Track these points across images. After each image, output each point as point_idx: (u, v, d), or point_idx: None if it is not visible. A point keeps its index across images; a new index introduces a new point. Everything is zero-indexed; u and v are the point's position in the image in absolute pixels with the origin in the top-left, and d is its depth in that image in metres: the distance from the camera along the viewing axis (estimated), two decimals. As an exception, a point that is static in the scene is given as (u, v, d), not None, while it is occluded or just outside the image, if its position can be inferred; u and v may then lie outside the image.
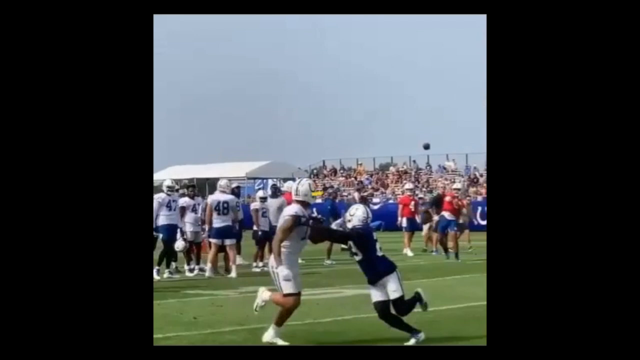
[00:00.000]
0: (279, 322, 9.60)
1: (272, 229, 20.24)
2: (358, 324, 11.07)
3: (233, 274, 17.80)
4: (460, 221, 26.27)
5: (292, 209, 9.58)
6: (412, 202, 25.20)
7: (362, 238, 9.58)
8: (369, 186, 50.36)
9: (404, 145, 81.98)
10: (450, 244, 23.50)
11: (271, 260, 9.63)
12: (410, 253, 24.23)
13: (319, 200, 52.13)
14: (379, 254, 9.65)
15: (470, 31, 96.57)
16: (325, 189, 55.84)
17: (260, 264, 19.87)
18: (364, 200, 26.99)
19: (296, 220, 9.39)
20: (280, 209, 20.71)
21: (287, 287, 9.44)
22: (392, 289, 9.47)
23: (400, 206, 25.08)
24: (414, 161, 56.53)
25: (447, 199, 23.79)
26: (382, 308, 9.57)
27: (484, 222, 34.75)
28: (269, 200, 20.73)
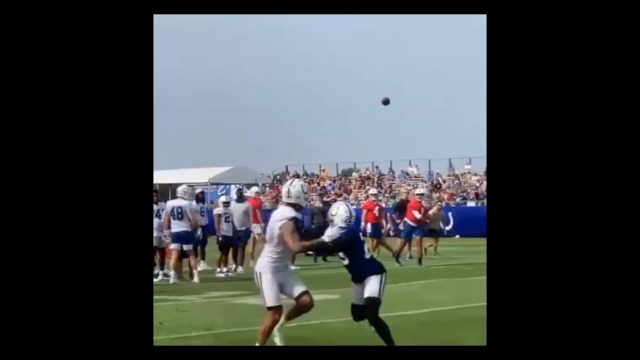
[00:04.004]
0: (263, 340, 8.91)
1: (237, 233, 20.26)
2: (325, 329, 11.06)
3: (195, 279, 17.72)
4: (432, 227, 26.47)
5: (287, 212, 8.77)
6: (377, 208, 25.25)
7: (348, 244, 9.02)
8: (332, 192, 50.40)
9: (367, 151, 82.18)
10: (414, 249, 23.59)
11: (257, 264, 8.97)
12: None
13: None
14: (367, 256, 9.16)
15: (439, 38, 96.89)
16: (288, 194, 55.81)
17: (225, 269, 19.82)
18: (327, 205, 26.99)
19: (296, 223, 8.71)
20: (246, 213, 20.80)
21: (269, 299, 8.80)
22: (370, 288, 8.89)
23: (364, 211, 25.10)
24: (377, 167, 56.76)
25: (412, 204, 23.88)
26: (356, 313, 9.15)
27: (448, 228, 34.91)
28: (234, 204, 20.71)
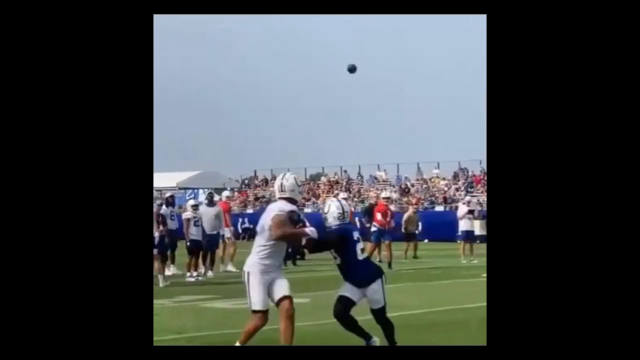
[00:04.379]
0: (244, 340, 8.47)
1: (206, 237, 20.28)
2: (296, 333, 11.13)
3: (160, 284, 17.64)
4: (408, 231, 26.62)
5: (283, 205, 8.35)
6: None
7: (341, 241, 8.66)
8: (300, 196, 50.48)
9: (335, 155, 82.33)
10: (384, 253, 23.73)
11: (247, 263, 8.40)
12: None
13: (250, 210, 52.19)
14: (360, 257, 8.73)
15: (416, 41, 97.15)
16: (257, 199, 55.87)
17: (195, 273, 19.83)
18: (293, 212, 27.02)
19: (292, 216, 8.25)
20: (217, 217, 20.83)
21: (255, 303, 8.31)
22: (374, 299, 8.64)
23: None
24: (345, 171, 56.91)
25: (378, 208, 24.05)
26: (343, 305, 8.72)
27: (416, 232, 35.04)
28: (205, 208, 20.72)
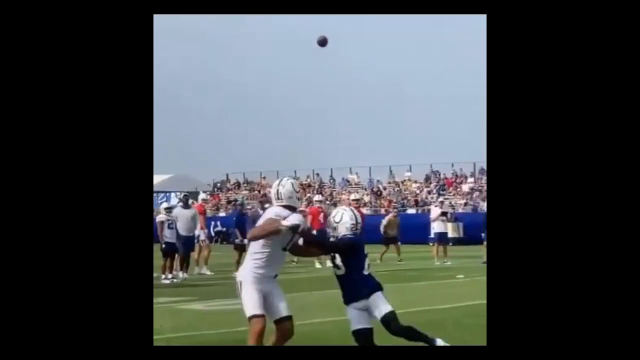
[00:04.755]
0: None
1: (182, 239, 20.25)
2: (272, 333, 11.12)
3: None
4: (389, 234, 26.67)
5: (279, 210, 7.71)
6: (322, 214, 25.34)
7: (350, 250, 8.05)
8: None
9: (307, 158, 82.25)
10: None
11: (239, 272, 7.85)
12: (318, 265, 24.41)
13: (222, 214, 52.16)
14: (366, 272, 8.05)
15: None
16: (229, 202, 55.82)
17: (170, 275, 19.77)
18: (265, 209, 27.04)
19: (294, 227, 7.63)
20: (192, 219, 20.82)
21: (250, 307, 7.61)
22: (379, 308, 7.93)
23: (310, 217, 25.19)
24: (318, 174, 57.01)
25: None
26: (364, 337, 8.05)
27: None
28: (180, 211, 20.67)
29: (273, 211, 7.75)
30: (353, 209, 8.41)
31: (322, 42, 10.00)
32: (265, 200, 35.97)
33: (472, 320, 12.21)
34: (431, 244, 28.12)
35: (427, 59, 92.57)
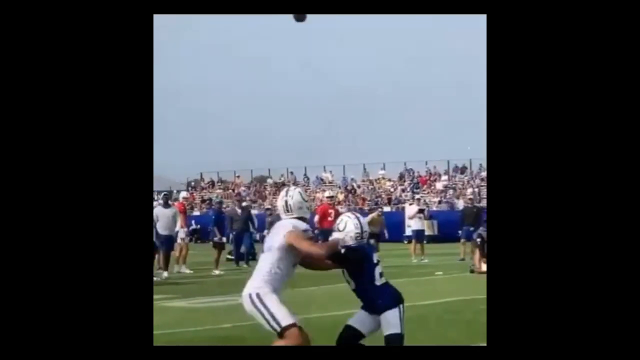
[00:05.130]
0: None
1: (161, 238, 20.29)
2: (258, 328, 11.21)
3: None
4: (373, 232, 26.74)
5: (294, 222, 7.26)
6: (332, 211, 25.33)
7: (355, 264, 7.54)
8: (247, 198, 50.47)
9: (281, 156, 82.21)
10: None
11: (248, 286, 7.10)
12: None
13: (196, 213, 52.04)
14: (378, 282, 7.53)
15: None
16: (203, 201, 55.74)
17: (150, 274, 19.80)
18: (245, 211, 27.12)
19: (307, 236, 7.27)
20: (173, 218, 20.88)
21: (284, 318, 6.93)
22: (389, 323, 7.43)
23: (318, 216, 25.14)
24: (292, 173, 57.07)
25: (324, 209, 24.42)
26: (348, 335, 7.63)
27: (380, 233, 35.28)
28: (161, 209, 20.69)
29: (289, 222, 7.23)
30: (359, 215, 7.90)
31: (300, 18, 9.89)
32: (240, 199, 36.03)
33: (452, 316, 12.38)
34: (406, 242, 28.25)
35: (402, 57, 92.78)
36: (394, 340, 7.42)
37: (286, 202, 7.31)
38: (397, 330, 7.40)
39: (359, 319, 7.60)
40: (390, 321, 7.40)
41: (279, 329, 6.86)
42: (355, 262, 7.52)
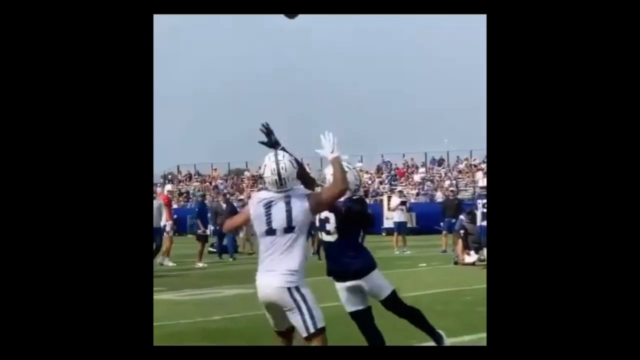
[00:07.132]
0: None
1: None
2: (248, 321, 11.27)
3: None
4: None
5: (301, 189, 6.96)
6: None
7: (355, 213, 7.25)
8: (224, 190, 50.40)
9: (258, 149, 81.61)
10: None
11: (281, 279, 6.55)
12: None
13: (175, 205, 51.85)
14: (361, 240, 7.32)
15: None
16: (181, 194, 55.58)
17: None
18: (228, 202, 27.15)
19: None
20: (158, 210, 20.84)
21: (321, 319, 6.56)
22: (380, 286, 7.40)
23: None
24: (269, 165, 56.82)
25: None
26: (362, 318, 7.53)
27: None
28: (147, 202, 20.70)
29: (302, 191, 6.87)
30: (356, 167, 7.41)
31: (291, 16, 9.71)
32: (218, 193, 35.97)
33: (442, 307, 12.46)
34: (384, 234, 28.26)
35: (380, 53, 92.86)
36: (393, 298, 7.47)
37: (279, 174, 6.73)
38: (389, 288, 7.45)
39: (350, 302, 7.51)
40: (379, 283, 7.42)
41: (313, 330, 6.48)
42: (356, 212, 7.28)
